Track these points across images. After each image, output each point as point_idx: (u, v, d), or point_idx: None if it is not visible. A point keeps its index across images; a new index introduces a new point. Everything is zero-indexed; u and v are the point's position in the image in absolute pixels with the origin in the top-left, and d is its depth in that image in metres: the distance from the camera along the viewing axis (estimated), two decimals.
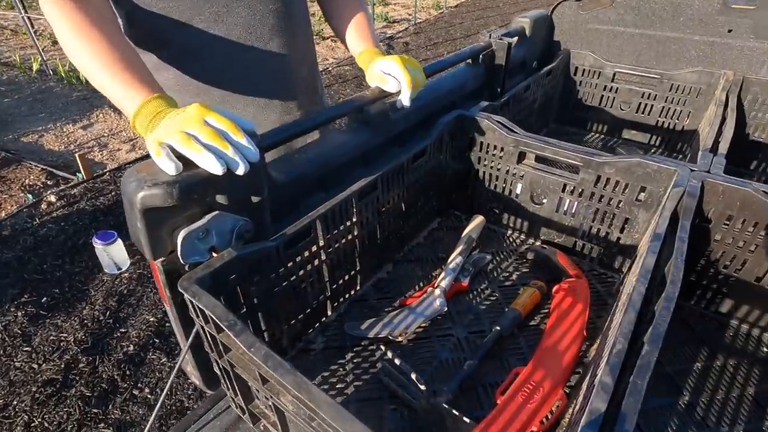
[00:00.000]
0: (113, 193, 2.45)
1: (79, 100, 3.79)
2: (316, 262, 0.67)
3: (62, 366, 1.51)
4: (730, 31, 1.09)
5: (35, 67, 4.35)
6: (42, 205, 2.32)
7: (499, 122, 0.87)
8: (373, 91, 0.78)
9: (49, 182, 2.58)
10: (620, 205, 0.78)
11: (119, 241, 1.92)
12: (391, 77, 0.75)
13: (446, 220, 1.01)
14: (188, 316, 0.52)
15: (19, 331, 1.62)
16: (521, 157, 0.87)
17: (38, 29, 5.41)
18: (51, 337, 1.61)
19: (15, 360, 1.52)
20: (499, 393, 0.58)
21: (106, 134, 3.25)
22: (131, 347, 1.59)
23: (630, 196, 0.76)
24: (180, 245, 0.51)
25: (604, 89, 1.33)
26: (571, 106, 1.41)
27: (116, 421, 1.35)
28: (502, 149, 0.88)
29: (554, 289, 0.77)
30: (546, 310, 0.77)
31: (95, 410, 1.38)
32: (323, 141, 0.75)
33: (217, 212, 0.53)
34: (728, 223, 0.68)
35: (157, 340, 1.62)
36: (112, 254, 1.89)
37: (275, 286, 0.61)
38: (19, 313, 1.70)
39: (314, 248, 0.65)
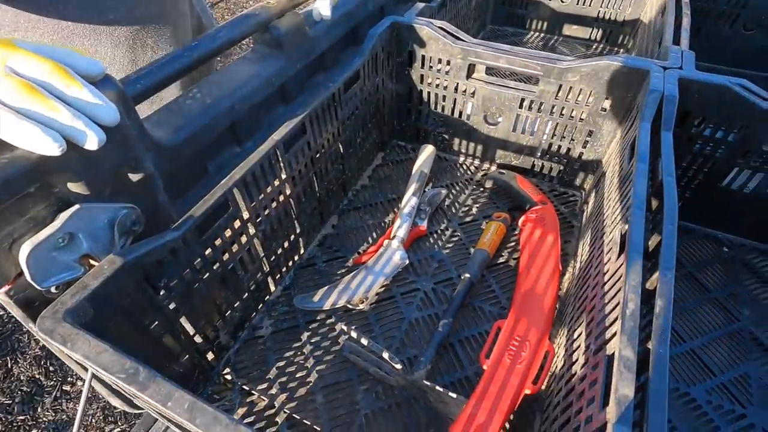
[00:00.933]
0: None
1: None
2: (244, 238, 0.53)
3: None
4: None
5: None
6: None
7: (441, 29, 0.71)
8: (279, 2, 0.58)
9: None
10: (583, 117, 0.69)
11: None
12: None
13: (390, 153, 0.88)
14: None
15: None
16: (471, 70, 0.74)
17: None
18: None
19: None
20: (483, 356, 0.51)
21: None
22: None
23: (595, 105, 0.67)
24: (27, 265, 0.34)
25: None
26: (508, 2, 1.26)
27: (51, 423, 1.20)
28: (448, 63, 0.73)
29: (521, 221, 0.70)
30: (513, 244, 0.70)
31: (21, 417, 1.21)
32: (224, 76, 0.56)
33: (78, 206, 0.36)
34: (698, 124, 0.62)
35: None
36: None
37: (194, 282, 0.47)
38: None
39: (237, 223, 0.51)
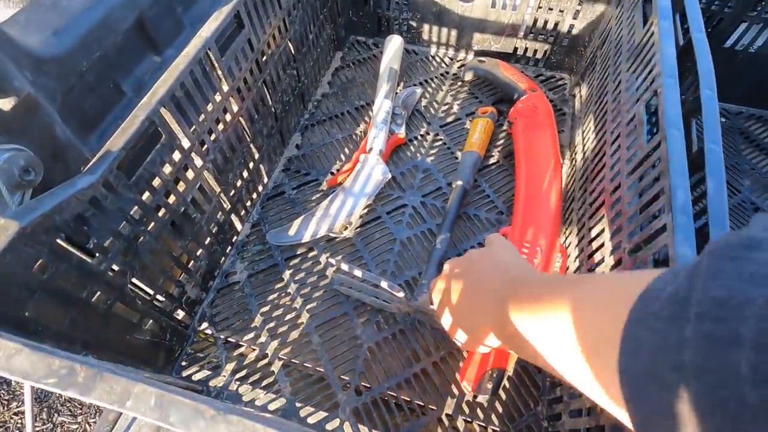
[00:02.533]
0: None
1: None
2: (191, 173, 0.42)
3: None
4: None
5: None
6: None
7: None
8: None
9: None
10: None
11: None
12: None
13: (350, 52, 0.75)
14: None
15: None
16: None
17: None
18: None
19: None
20: None
21: None
22: None
23: None
24: None
25: None
26: None
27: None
28: None
29: (510, 113, 0.61)
30: (502, 141, 0.63)
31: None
32: None
33: None
34: None
35: None
36: None
37: (137, 236, 0.37)
38: None
39: (177, 155, 0.40)
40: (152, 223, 0.38)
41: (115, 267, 0.35)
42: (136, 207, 0.36)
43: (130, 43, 0.41)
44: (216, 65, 0.42)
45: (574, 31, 0.64)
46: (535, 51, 0.69)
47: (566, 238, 0.50)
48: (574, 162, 0.57)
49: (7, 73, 0.28)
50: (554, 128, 0.57)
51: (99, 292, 0.34)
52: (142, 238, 0.38)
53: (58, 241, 0.29)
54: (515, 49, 0.70)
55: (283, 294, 0.51)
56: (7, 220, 0.27)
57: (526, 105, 0.60)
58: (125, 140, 0.33)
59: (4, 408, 1.14)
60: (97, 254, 0.33)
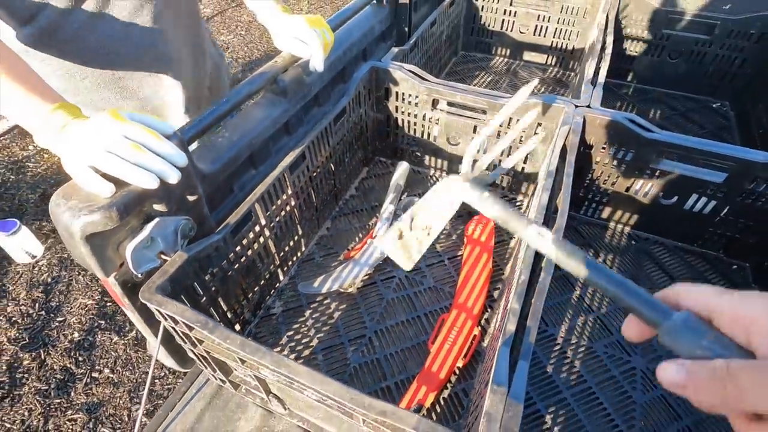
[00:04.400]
0: None
1: None
2: (262, 239, 0.72)
3: (4, 367, 1.45)
4: None
5: None
6: None
7: (411, 72, 0.90)
8: (284, 58, 0.77)
9: None
10: (522, 140, 0.89)
11: (24, 228, 1.75)
12: (302, 43, 0.74)
13: (373, 167, 1.07)
14: (152, 317, 0.56)
15: None
16: (435, 103, 0.93)
17: None
18: None
19: None
20: (430, 342, 0.71)
21: None
22: (76, 334, 1.55)
23: (530, 131, 0.87)
24: (129, 260, 0.52)
25: (504, 13, 1.38)
26: (476, 32, 1.46)
27: (84, 405, 1.37)
28: (416, 97, 0.93)
29: (466, 226, 0.89)
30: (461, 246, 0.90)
31: (57, 400, 1.38)
32: (243, 119, 0.74)
33: (157, 219, 0.55)
34: (605, 147, 0.82)
35: (101, 322, 1.59)
36: (21, 243, 1.73)
37: (228, 271, 0.65)
38: None
39: (257, 228, 0.69)
40: (236, 265, 0.67)
41: (214, 287, 0.63)
42: (232, 254, 0.65)
43: (242, 164, 0.74)
44: (287, 180, 0.73)
45: (525, 171, 0.93)
46: (502, 179, 0.98)
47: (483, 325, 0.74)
48: (512, 264, 0.82)
49: (196, 185, 0.59)
50: (490, 248, 0.83)
51: (204, 298, 0.62)
52: (230, 272, 0.66)
53: (197, 266, 0.58)
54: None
55: (303, 326, 0.77)
56: (181, 252, 0.56)
57: (475, 222, 0.88)
58: (237, 218, 0.63)
59: (60, 414, 1.37)
60: (208, 276, 0.61)
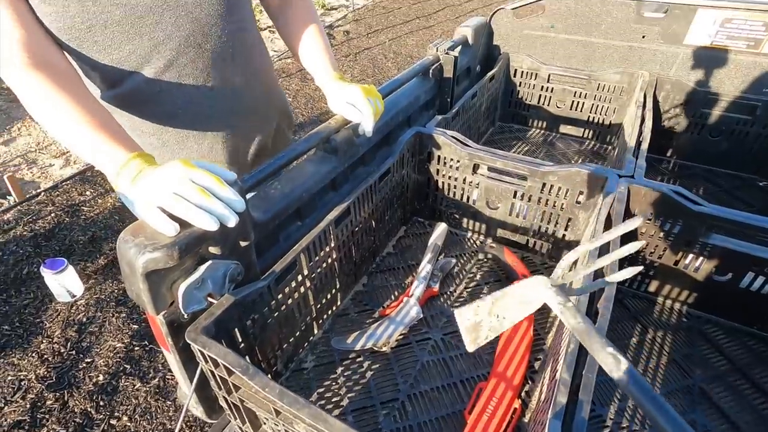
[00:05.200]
0: (53, 215, 2.30)
1: None
2: (302, 289, 0.72)
3: (27, 406, 1.45)
4: (643, 37, 1.24)
5: None
6: None
7: (453, 137, 0.95)
8: (337, 120, 0.82)
9: None
10: (563, 207, 0.89)
11: (70, 268, 1.83)
12: (354, 108, 0.80)
13: (411, 227, 1.09)
14: (191, 360, 0.56)
15: None
16: (475, 167, 0.95)
17: None
18: (9, 378, 1.53)
19: None
20: (467, 412, 0.67)
21: (33, 149, 3.00)
22: (101, 376, 1.55)
23: (571, 199, 0.87)
24: (181, 298, 0.54)
25: (542, 89, 1.45)
26: (513, 105, 1.52)
27: None
28: (458, 161, 0.96)
29: None
30: None
31: None
32: (295, 173, 0.79)
33: (210, 261, 0.57)
34: (651, 218, 0.81)
35: (127, 366, 1.59)
36: (64, 282, 1.80)
37: (268, 318, 0.66)
38: None
39: (300, 278, 0.70)
40: (276, 313, 0.67)
41: (253, 333, 0.63)
42: (273, 302, 0.66)
43: (289, 216, 0.77)
44: (331, 233, 0.75)
45: (567, 238, 0.92)
46: (541, 246, 0.97)
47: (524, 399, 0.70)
48: (555, 336, 0.79)
49: (250, 232, 0.62)
50: (531, 316, 0.80)
51: (243, 345, 0.61)
52: (269, 320, 0.66)
53: (241, 310, 0.59)
54: (527, 242, 0.99)
55: (334, 383, 0.74)
56: (228, 296, 0.57)
57: None
58: (282, 268, 0.64)
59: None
60: (249, 322, 0.62)
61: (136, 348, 1.65)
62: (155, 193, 0.52)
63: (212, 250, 0.57)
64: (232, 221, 0.54)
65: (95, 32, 0.63)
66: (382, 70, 4.45)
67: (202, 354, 0.52)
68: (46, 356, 1.61)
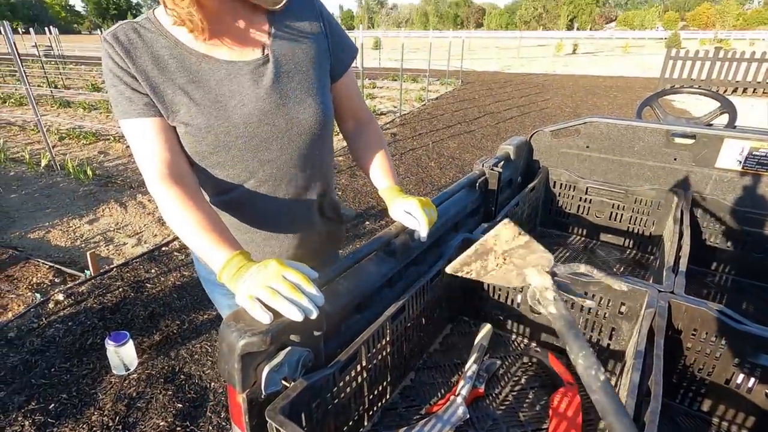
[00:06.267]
0: (120, 290, 2.52)
1: (85, 194, 3.96)
2: (359, 379, 0.79)
3: None
4: (675, 159, 1.35)
5: (43, 162, 4.57)
6: (49, 305, 2.37)
7: None
8: (396, 227, 0.95)
9: (56, 280, 2.64)
10: (606, 317, 0.93)
11: (130, 342, 1.96)
12: (412, 217, 0.93)
13: (457, 325, 1.15)
14: None
15: None
16: None
17: (47, 125, 5.75)
18: None
19: None
20: None
21: (112, 228, 3.37)
22: None
23: (613, 309, 0.92)
24: (264, 379, 0.63)
25: (580, 200, 1.56)
26: (553, 212, 1.63)
27: None
28: None
29: (552, 398, 0.89)
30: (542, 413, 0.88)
31: None
32: (359, 271, 0.90)
33: (290, 348, 0.66)
34: (695, 334, 0.83)
35: None
36: (123, 355, 1.93)
37: (329, 405, 0.72)
38: (27, 422, 1.68)
39: (359, 368, 0.78)
40: (336, 400, 0.74)
41: (315, 418, 0.70)
42: (336, 388, 0.73)
43: (350, 309, 0.86)
44: (387, 328, 0.83)
45: (611, 348, 0.95)
46: None
47: None
48: None
49: (324, 323, 0.71)
50: (577, 417, 0.82)
51: (306, 428, 0.68)
52: (329, 406, 0.72)
53: (310, 394, 0.66)
54: None
55: None
56: (302, 380, 0.65)
57: (561, 396, 0.87)
58: (346, 357, 0.72)
59: None
60: (314, 405, 0.69)
61: (178, 428, 1.68)
62: (254, 286, 0.64)
63: (292, 337, 0.67)
64: (314, 314, 0.64)
65: (219, 155, 0.82)
66: (426, 170, 4.77)
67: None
68: (95, 429, 1.68)
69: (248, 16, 0.81)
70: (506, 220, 0.53)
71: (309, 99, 0.85)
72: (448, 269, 0.60)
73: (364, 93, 7.87)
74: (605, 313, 0.93)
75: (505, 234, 0.54)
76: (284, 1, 0.81)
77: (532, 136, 1.59)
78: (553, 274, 0.56)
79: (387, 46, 27.27)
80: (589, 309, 0.95)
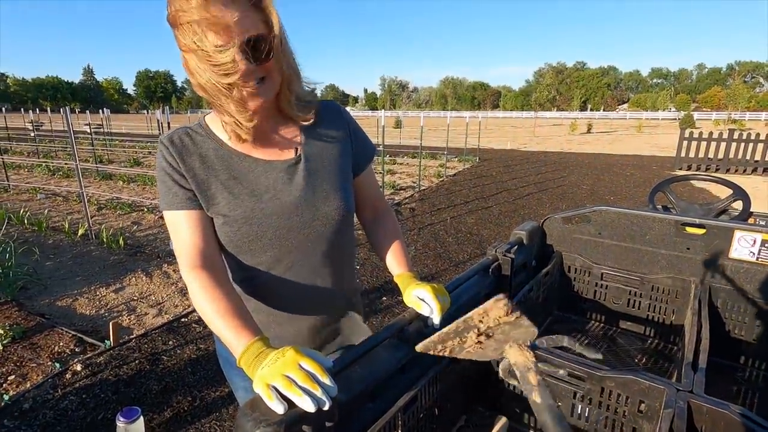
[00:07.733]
0: (137, 362, 2.53)
1: (114, 263, 4.12)
2: None
3: None
4: (688, 249, 1.36)
5: (80, 231, 4.84)
6: (67, 375, 2.38)
7: None
8: (410, 313, 0.98)
9: (77, 349, 2.68)
10: (626, 415, 0.90)
11: (141, 419, 1.93)
12: (425, 303, 0.96)
13: (472, 416, 1.12)
14: None
15: None
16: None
17: (88, 196, 6.16)
18: None
19: None
20: None
21: (135, 298, 3.46)
22: None
23: (632, 407, 0.89)
24: None
25: (596, 285, 1.56)
26: (569, 297, 1.62)
27: None
28: None
29: None
30: None
31: None
32: (372, 357, 0.92)
33: None
34: None
35: None
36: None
37: None
38: None
39: None
40: None
41: None
42: None
43: (363, 397, 0.87)
44: (399, 419, 0.83)
45: None
46: None
47: None
48: None
49: (336, 414, 0.73)
50: None
51: None
52: None
53: None
54: None
55: None
56: None
57: None
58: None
59: None
60: None
61: None
62: (270, 375, 0.67)
63: (304, 428, 0.68)
64: (326, 405, 0.66)
65: (251, 243, 0.90)
66: (443, 245, 4.82)
67: None
68: None
69: (284, 127, 0.94)
70: (499, 296, 0.52)
71: (333, 194, 0.95)
72: (418, 348, 0.59)
73: (384, 169, 8.24)
74: (624, 411, 0.90)
75: (495, 312, 0.52)
76: (314, 118, 0.94)
77: (544, 221, 1.64)
78: (533, 348, 0.55)
79: (407, 125, 28.89)
80: (607, 406, 0.92)
